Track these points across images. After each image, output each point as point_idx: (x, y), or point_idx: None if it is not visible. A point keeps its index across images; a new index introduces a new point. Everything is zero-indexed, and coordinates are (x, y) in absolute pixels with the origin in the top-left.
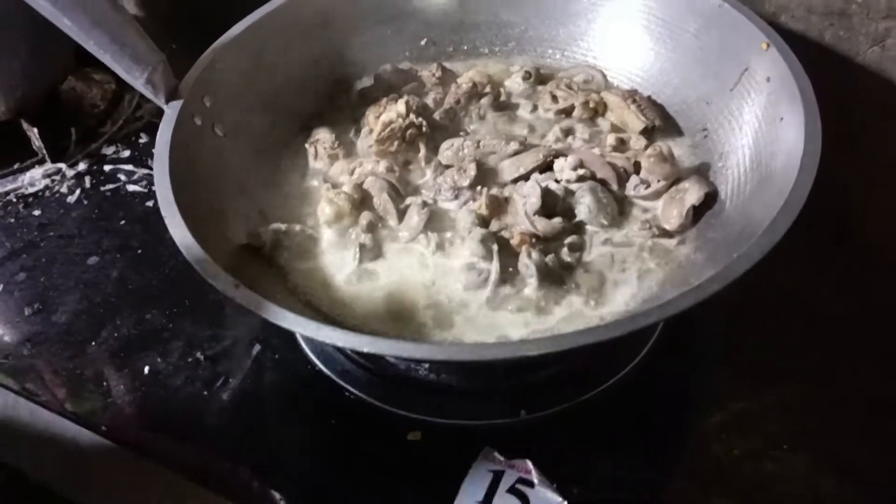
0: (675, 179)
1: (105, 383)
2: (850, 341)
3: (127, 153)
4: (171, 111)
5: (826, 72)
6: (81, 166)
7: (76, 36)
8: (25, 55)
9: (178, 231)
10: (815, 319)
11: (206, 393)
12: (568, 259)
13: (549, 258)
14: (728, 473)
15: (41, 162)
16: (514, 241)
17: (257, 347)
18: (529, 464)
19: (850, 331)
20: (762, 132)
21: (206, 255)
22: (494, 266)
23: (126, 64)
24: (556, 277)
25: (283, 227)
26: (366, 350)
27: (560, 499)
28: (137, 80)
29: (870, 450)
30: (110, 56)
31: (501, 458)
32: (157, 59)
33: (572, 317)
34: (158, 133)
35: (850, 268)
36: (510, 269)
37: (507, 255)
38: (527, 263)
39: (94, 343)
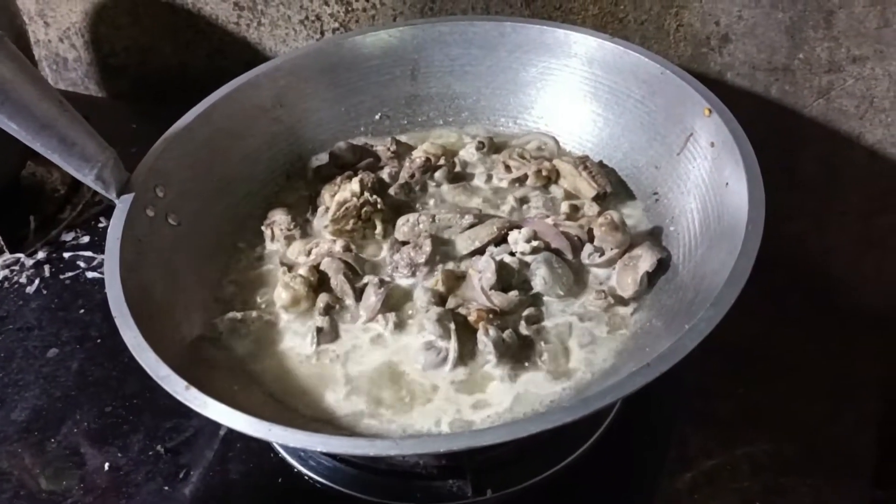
0: (627, 246)
1: (65, 483)
2: (816, 390)
3: (86, 239)
4: (122, 205)
5: (774, 124)
6: (40, 255)
7: (23, 138)
8: None
9: (129, 333)
10: (781, 369)
11: (167, 488)
12: (526, 332)
13: (507, 333)
14: None
15: None
16: (472, 318)
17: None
18: None
19: (816, 380)
20: (709, 196)
21: (156, 356)
22: (452, 345)
23: (76, 163)
24: (515, 353)
25: (239, 315)
26: (319, 449)
27: None
28: (87, 178)
29: (841, 500)
30: (58, 156)
31: None
32: (106, 156)
33: (533, 392)
34: (109, 229)
35: (813, 315)
36: (469, 347)
37: (466, 332)
38: (485, 341)
39: (53, 440)
